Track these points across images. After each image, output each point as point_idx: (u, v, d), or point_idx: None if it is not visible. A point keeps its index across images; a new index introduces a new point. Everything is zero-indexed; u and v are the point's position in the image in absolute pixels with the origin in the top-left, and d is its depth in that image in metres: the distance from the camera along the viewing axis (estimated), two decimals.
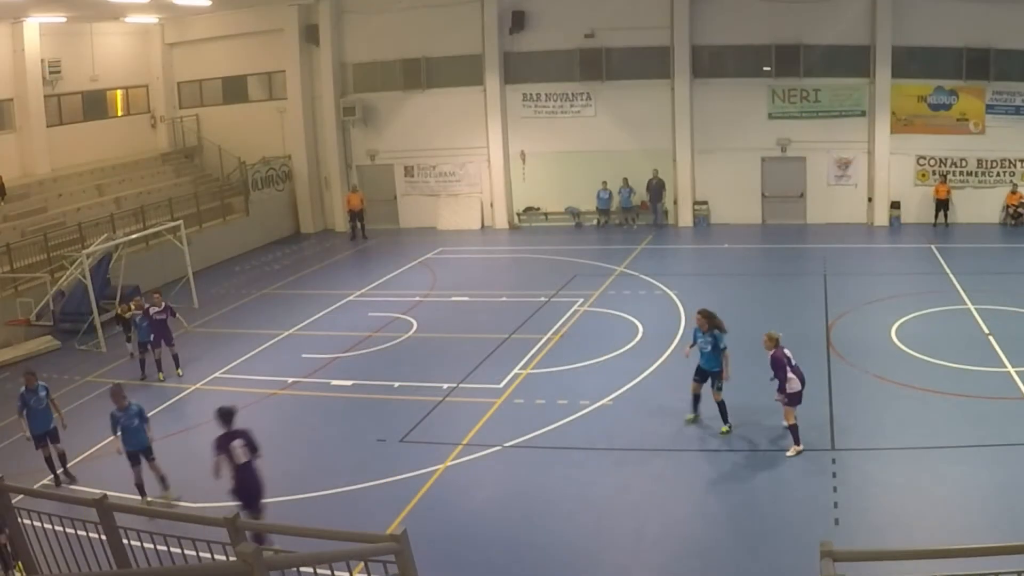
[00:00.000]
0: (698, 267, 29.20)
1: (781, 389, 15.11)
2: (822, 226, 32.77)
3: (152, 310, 20.98)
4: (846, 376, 18.39)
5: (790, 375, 15.02)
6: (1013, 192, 31.41)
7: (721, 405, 16.15)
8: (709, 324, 16.02)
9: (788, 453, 15.18)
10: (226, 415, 12.89)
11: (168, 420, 18.59)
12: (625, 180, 34.47)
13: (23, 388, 16.03)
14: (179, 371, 21.33)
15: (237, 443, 12.72)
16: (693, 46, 33.53)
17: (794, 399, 15.09)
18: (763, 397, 17.60)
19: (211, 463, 12.71)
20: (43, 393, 16.12)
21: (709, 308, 16.35)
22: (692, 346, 16.35)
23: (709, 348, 15.95)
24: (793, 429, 15.18)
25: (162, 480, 15.09)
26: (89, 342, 23.84)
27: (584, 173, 35.04)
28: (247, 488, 12.81)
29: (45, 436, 16.01)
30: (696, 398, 16.49)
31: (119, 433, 14.85)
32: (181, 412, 19.09)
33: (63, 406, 19.36)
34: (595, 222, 35.65)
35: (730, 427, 16.11)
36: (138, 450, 14.93)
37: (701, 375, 16.26)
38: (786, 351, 15.23)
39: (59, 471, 16.10)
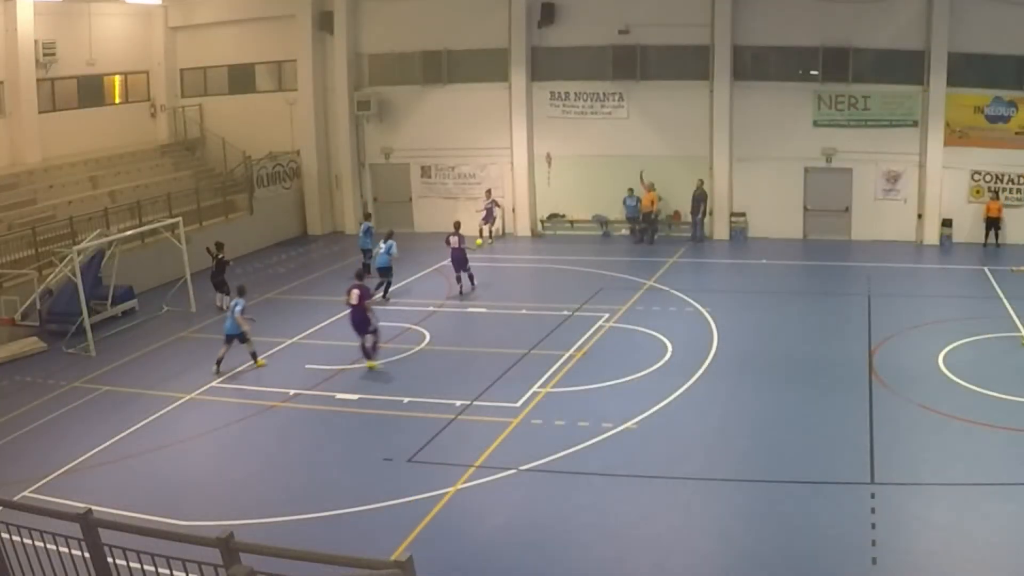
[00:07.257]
0: (733, 283, 29.10)
1: None
2: (868, 243, 32.63)
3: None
4: (889, 405, 18.27)
5: None
6: None
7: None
8: None
9: None
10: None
11: (161, 431, 18.63)
12: (651, 186, 34.30)
13: None
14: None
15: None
16: (735, 46, 33.49)
17: None
18: (799, 427, 17.57)
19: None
20: None
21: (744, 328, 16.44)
22: None
23: None
24: None
25: None
26: (78, 345, 23.89)
27: (614, 179, 34.92)
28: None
29: None
30: None
31: None
32: (174, 423, 19.08)
33: (46, 413, 19.66)
34: (627, 231, 35.51)
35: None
36: None
37: None
38: None
39: None
